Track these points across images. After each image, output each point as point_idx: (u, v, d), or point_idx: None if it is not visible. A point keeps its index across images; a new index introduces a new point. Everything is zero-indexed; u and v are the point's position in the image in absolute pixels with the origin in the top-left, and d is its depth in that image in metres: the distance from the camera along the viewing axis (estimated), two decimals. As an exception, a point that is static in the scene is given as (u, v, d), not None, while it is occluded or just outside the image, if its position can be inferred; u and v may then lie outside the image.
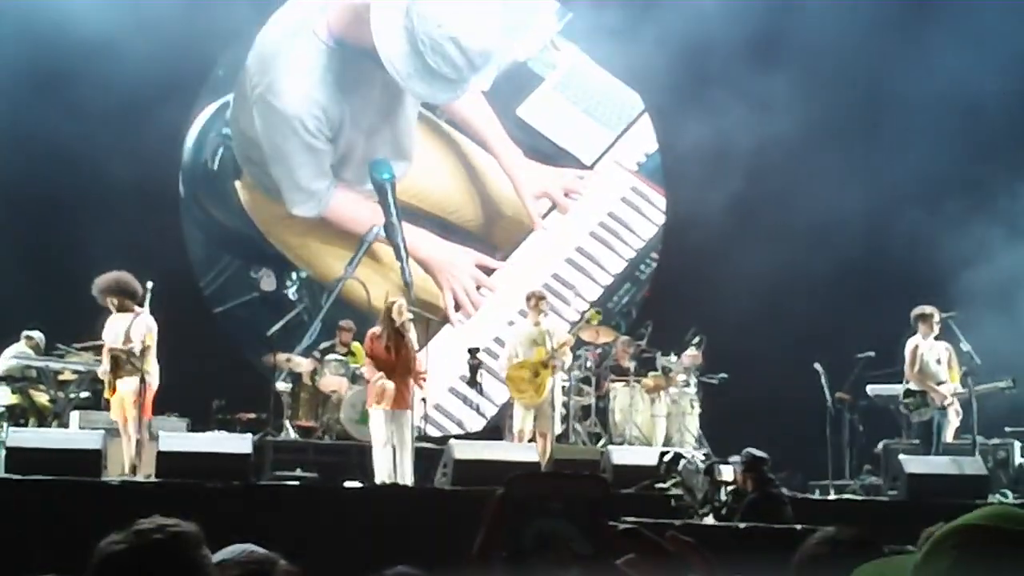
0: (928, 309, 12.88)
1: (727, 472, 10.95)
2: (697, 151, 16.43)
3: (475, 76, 16.49)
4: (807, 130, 16.00)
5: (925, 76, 15.80)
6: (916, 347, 12.75)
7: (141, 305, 11.32)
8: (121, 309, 11.33)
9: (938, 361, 12.85)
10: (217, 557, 2.65)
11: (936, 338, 12.86)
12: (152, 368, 11.29)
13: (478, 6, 16.55)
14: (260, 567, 2.61)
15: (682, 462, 11.67)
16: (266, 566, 2.60)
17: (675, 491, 10.81)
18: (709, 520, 10.20)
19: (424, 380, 12.32)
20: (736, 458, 11.21)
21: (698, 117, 16.24)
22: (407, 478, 11.48)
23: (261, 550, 2.91)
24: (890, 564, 1.70)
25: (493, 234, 17.15)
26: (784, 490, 10.82)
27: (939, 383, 12.79)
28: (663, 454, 12.15)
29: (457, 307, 16.77)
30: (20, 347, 12.89)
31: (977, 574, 1.60)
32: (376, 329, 12.11)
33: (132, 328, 11.21)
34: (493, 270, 17.01)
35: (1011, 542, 1.61)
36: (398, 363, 11.82)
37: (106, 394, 11.44)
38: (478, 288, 16.91)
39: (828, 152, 16.44)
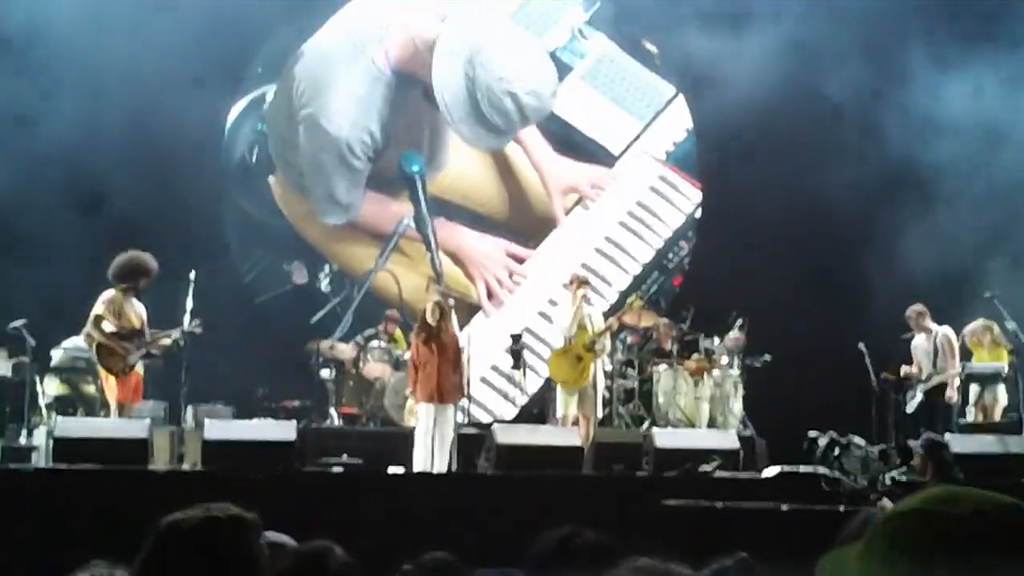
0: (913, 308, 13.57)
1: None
2: (733, 132, 16.37)
3: (523, 129, 16.68)
4: (844, 111, 15.89)
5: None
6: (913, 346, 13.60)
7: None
8: (138, 292, 11.45)
9: (925, 352, 13.48)
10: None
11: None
12: None
13: (540, 63, 16.79)
14: (316, 556, 2.63)
15: (837, 447, 11.70)
16: (321, 556, 2.62)
17: (830, 474, 10.83)
18: (887, 504, 10.18)
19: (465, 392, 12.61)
20: (914, 442, 11.26)
21: (733, 99, 16.14)
22: (444, 468, 11.54)
23: (285, 538, 2.94)
24: (851, 551, 1.67)
25: (521, 225, 17.11)
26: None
27: (929, 374, 13.37)
28: (815, 438, 12.19)
29: (490, 296, 16.78)
30: (75, 339, 12.94)
31: (909, 560, 1.56)
32: (419, 333, 12.29)
33: (142, 312, 11.45)
34: (524, 259, 17.00)
35: (944, 525, 1.56)
36: (440, 359, 11.94)
37: (115, 378, 11.34)
38: (511, 276, 16.91)
39: (867, 128, 16.30)
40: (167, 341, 11.60)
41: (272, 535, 3.08)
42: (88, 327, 11.26)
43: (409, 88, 16.26)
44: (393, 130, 16.27)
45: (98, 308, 11.24)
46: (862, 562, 1.60)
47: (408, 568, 2.95)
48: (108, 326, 11.21)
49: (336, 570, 2.51)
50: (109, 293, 11.31)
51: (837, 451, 12.01)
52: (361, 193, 16.36)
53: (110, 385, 11.26)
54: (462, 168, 16.92)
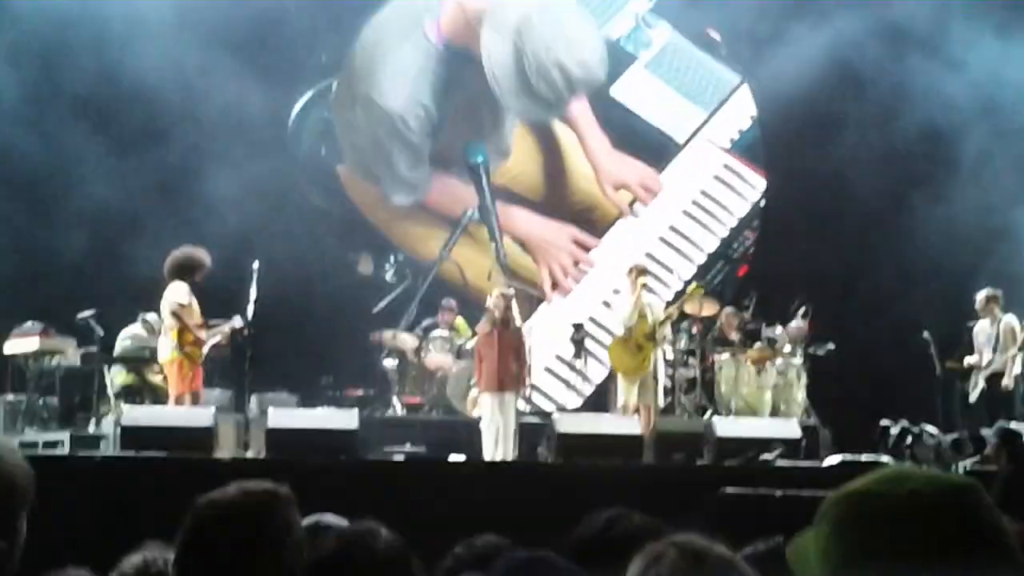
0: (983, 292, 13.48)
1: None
2: (796, 120, 16.27)
3: (574, 100, 16.59)
4: (911, 96, 15.74)
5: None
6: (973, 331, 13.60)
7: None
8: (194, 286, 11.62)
9: (987, 338, 13.37)
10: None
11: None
12: None
13: (588, 34, 16.60)
14: (362, 538, 2.68)
15: (910, 436, 11.66)
16: (368, 536, 2.67)
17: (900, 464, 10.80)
18: None
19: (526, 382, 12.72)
20: (987, 431, 11.21)
21: (797, 86, 16.01)
22: (508, 456, 11.62)
23: (337, 519, 2.99)
24: (812, 533, 1.68)
25: (584, 217, 17.09)
26: None
27: (988, 361, 13.32)
28: (887, 427, 12.11)
29: (555, 285, 16.77)
30: (135, 328, 13.18)
31: (852, 541, 1.56)
32: (483, 326, 12.47)
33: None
34: (591, 247, 16.97)
35: (882, 506, 1.55)
36: (501, 348, 12.07)
37: (188, 367, 11.48)
38: (576, 264, 16.88)
39: (933, 113, 16.13)
40: (221, 335, 11.79)
41: (328, 517, 3.13)
42: (174, 317, 11.29)
43: (463, 63, 16.16)
44: (450, 108, 16.23)
45: (180, 298, 11.35)
46: (817, 542, 1.61)
47: (459, 551, 3.00)
48: (189, 316, 11.36)
49: (383, 549, 2.56)
50: (181, 285, 11.44)
51: (909, 440, 11.95)
52: (427, 172, 16.33)
53: (174, 375, 11.38)
54: (523, 164, 16.93)
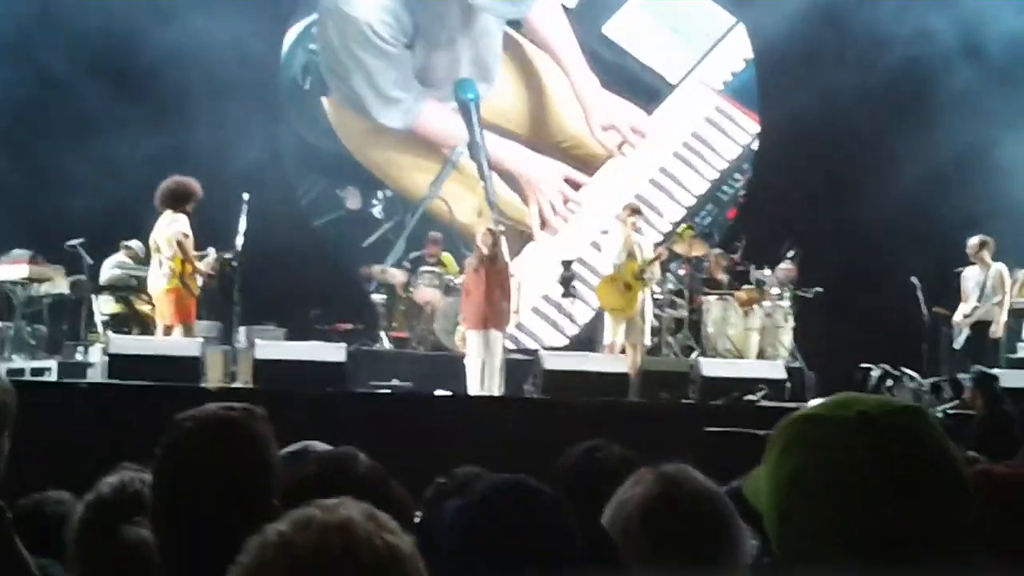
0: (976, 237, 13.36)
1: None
2: (791, 62, 16.19)
3: None
4: (908, 43, 15.69)
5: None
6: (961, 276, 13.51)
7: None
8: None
9: (976, 284, 13.30)
10: (285, 451, 2.79)
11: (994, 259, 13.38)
12: None
13: None
14: (340, 462, 2.71)
15: (890, 379, 11.73)
16: (347, 461, 2.70)
17: None
18: None
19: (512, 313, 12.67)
20: (964, 376, 11.27)
21: (793, 28, 15.93)
22: (495, 392, 11.66)
23: (324, 446, 3.03)
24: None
25: (572, 156, 17.02)
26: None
27: (973, 307, 13.25)
28: (868, 370, 12.18)
29: (543, 223, 16.73)
30: (120, 257, 13.15)
31: (800, 463, 1.57)
32: (471, 262, 12.46)
33: None
34: (580, 185, 16.92)
35: (834, 428, 1.57)
36: (488, 285, 12.05)
37: (188, 298, 11.36)
38: (565, 203, 16.83)
39: (927, 57, 16.07)
40: (209, 267, 11.65)
41: (317, 444, 3.16)
42: (179, 247, 11.11)
43: None
44: (423, 17, 16.03)
45: (184, 228, 11.13)
46: (765, 468, 1.63)
47: (441, 481, 3.03)
48: (191, 247, 11.22)
49: (362, 474, 2.60)
50: (182, 216, 11.21)
51: (889, 383, 12.02)
52: (414, 94, 16.22)
53: (170, 305, 11.24)
54: (515, 100, 16.83)
